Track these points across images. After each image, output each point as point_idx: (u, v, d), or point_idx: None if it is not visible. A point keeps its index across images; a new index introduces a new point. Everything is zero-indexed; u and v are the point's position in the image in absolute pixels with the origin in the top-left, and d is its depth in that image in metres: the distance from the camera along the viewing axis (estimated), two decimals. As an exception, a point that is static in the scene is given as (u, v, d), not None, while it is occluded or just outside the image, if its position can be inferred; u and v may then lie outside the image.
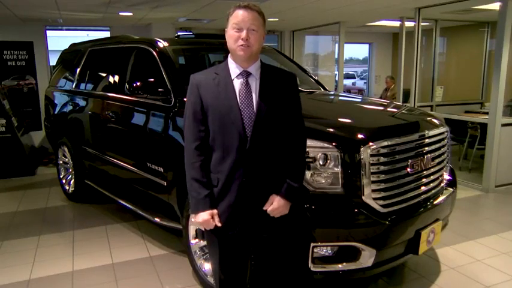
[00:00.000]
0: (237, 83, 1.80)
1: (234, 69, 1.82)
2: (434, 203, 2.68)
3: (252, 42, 1.75)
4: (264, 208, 1.82)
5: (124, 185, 3.81)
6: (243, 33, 1.73)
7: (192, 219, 2.73)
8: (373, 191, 2.34)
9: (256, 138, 1.75)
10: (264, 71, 1.84)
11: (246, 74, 1.81)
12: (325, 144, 2.31)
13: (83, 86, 4.48)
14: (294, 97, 1.89)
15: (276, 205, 1.81)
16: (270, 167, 1.82)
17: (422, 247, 2.55)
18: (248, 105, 1.77)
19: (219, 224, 1.81)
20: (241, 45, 1.74)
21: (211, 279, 2.68)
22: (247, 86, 1.80)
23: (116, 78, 3.89)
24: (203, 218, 1.80)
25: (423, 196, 2.62)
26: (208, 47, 4.05)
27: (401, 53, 6.58)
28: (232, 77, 1.81)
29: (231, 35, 1.77)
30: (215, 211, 1.81)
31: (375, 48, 11.24)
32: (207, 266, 2.75)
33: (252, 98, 1.78)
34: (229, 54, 1.86)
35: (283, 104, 1.83)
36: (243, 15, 1.74)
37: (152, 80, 3.15)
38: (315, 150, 2.29)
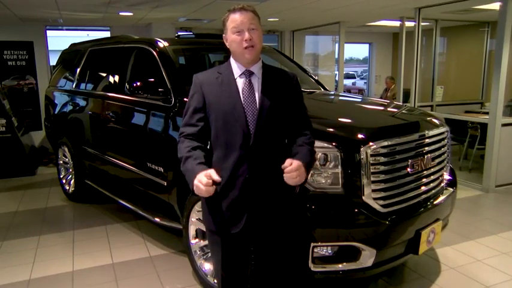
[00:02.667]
0: (240, 82, 1.83)
1: (236, 68, 1.85)
2: (435, 203, 2.68)
3: (255, 41, 1.78)
4: (282, 167, 1.69)
5: (124, 185, 3.81)
6: (246, 35, 1.76)
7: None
8: (373, 191, 2.34)
9: (259, 134, 1.77)
10: (265, 70, 1.87)
11: (248, 73, 1.83)
12: (325, 144, 2.31)
13: (83, 86, 4.48)
14: (297, 97, 1.92)
15: (295, 165, 1.69)
16: (272, 163, 1.82)
17: (423, 247, 2.55)
18: (251, 103, 1.79)
19: (219, 178, 1.67)
20: (246, 47, 1.76)
21: (211, 279, 2.69)
22: (250, 84, 1.82)
23: (116, 78, 3.89)
24: (199, 180, 1.65)
25: (423, 196, 2.62)
26: (208, 47, 4.05)
27: (401, 53, 6.59)
28: (235, 76, 1.84)
29: (233, 39, 1.79)
30: (211, 170, 1.69)
31: (375, 48, 11.24)
32: (207, 266, 2.75)
33: (254, 96, 1.81)
34: (231, 55, 1.87)
35: (284, 102, 1.85)
36: (240, 17, 1.76)
37: (152, 80, 3.15)
38: (315, 150, 2.28)
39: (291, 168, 1.68)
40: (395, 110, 3.20)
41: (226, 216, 1.82)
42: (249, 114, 1.78)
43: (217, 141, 1.82)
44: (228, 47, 1.85)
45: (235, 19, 1.77)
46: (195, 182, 1.67)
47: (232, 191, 1.80)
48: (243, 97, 1.80)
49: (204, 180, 1.64)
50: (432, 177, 2.69)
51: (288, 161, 1.70)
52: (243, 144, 1.77)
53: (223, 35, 1.85)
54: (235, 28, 1.77)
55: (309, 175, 2.26)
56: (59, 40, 9.79)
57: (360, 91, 15.24)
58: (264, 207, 1.83)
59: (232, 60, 1.87)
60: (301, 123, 1.91)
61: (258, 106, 1.79)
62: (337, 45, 8.78)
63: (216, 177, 1.66)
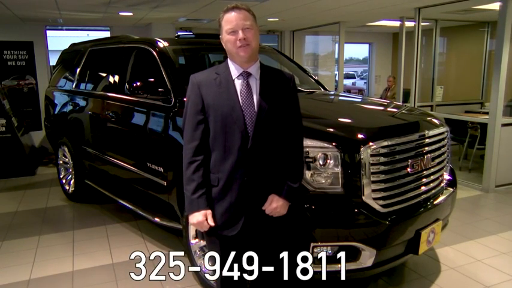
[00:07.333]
0: (238, 83, 1.81)
1: (234, 69, 1.83)
2: (435, 203, 2.68)
3: (250, 39, 1.76)
4: (263, 208, 1.82)
5: (124, 185, 3.81)
6: (240, 34, 1.74)
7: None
8: (373, 191, 2.34)
9: (257, 137, 1.76)
10: (263, 71, 1.86)
11: (246, 75, 1.82)
12: (325, 144, 2.31)
13: (83, 86, 4.48)
14: (292, 97, 1.90)
15: (274, 205, 1.82)
16: (271, 166, 1.82)
17: (423, 247, 2.55)
18: (249, 105, 1.78)
19: (212, 224, 1.80)
20: (241, 46, 1.75)
21: (211, 279, 2.69)
22: (248, 86, 1.81)
23: (116, 78, 3.89)
24: (197, 219, 1.80)
25: (423, 196, 2.62)
26: (208, 47, 4.04)
27: (401, 53, 6.59)
28: (233, 77, 1.82)
29: (228, 39, 1.78)
30: (209, 211, 1.81)
31: (374, 48, 11.23)
32: (207, 266, 2.75)
33: (253, 98, 1.79)
34: (228, 56, 1.86)
35: (282, 103, 1.84)
36: (234, 17, 1.75)
37: (152, 80, 3.15)
38: (315, 150, 2.29)
39: (271, 209, 1.82)
40: (395, 110, 3.20)
41: (224, 219, 1.81)
42: (247, 116, 1.76)
43: (215, 143, 1.80)
44: (224, 47, 1.84)
45: (229, 19, 1.76)
46: (194, 221, 1.81)
47: (229, 194, 1.79)
48: (241, 99, 1.78)
49: (203, 227, 1.81)
50: (432, 177, 2.69)
51: (268, 200, 1.82)
52: (241, 146, 1.76)
53: (220, 36, 1.84)
54: (230, 28, 1.76)
55: (308, 175, 2.27)
56: (59, 40, 9.80)
57: (360, 91, 15.22)
58: (262, 211, 1.82)
59: (229, 60, 1.86)
60: (292, 126, 1.88)
61: (256, 108, 1.77)
62: (337, 45, 8.78)
63: (211, 224, 1.81)
